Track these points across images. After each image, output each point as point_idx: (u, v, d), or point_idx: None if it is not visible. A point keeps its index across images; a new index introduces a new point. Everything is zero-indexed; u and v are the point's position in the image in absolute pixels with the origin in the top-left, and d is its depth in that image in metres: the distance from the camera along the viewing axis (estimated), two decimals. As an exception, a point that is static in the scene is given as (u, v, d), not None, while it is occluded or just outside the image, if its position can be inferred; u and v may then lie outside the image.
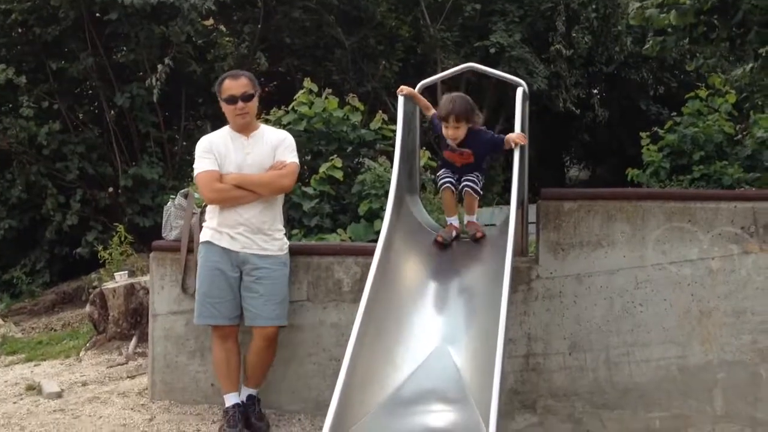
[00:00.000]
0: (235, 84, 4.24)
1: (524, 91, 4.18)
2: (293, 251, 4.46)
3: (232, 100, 4.22)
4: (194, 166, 4.34)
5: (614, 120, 19.21)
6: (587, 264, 4.09)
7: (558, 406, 4.11)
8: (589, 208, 4.13)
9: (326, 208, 6.90)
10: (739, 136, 9.29)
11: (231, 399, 4.22)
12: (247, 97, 4.22)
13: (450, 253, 4.15)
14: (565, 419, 4.10)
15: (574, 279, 4.10)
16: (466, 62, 5.29)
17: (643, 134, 9.35)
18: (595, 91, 19.56)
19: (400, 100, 4.33)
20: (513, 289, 3.79)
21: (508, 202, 3.81)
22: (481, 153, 4.18)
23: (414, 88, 4.62)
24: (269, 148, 4.30)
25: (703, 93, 9.20)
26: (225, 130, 4.36)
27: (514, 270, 3.78)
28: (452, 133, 4.11)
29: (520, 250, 4.34)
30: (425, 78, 4.84)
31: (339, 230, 6.59)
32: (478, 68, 5.14)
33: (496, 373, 3.05)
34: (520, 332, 4.14)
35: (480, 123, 4.22)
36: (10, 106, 11.36)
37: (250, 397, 4.29)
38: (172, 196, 4.94)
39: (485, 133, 4.21)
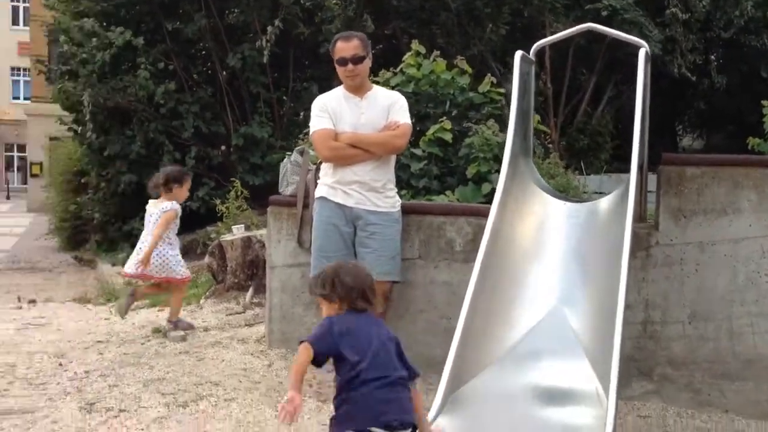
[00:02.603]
0: (346, 46, 4.27)
1: (646, 53, 4.07)
2: (406, 210, 4.52)
3: (342, 61, 4.27)
4: (310, 124, 4.45)
5: (732, 87, 18.34)
6: (710, 232, 3.98)
7: (676, 374, 4.03)
8: (714, 174, 4.01)
9: (434, 170, 6.94)
10: None
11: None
12: (357, 60, 4.25)
13: (566, 216, 4.11)
14: (683, 388, 4.02)
15: (695, 247, 4.00)
16: (575, 26, 5.16)
17: (765, 102, 8.93)
18: (712, 56, 18.68)
19: (516, 61, 4.29)
20: (631, 254, 3.73)
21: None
22: None
23: (529, 50, 4.54)
24: (382, 108, 4.35)
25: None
26: (339, 91, 4.43)
27: (633, 235, 3.73)
28: None
29: (638, 216, 4.26)
30: (533, 42, 4.74)
31: (447, 192, 6.61)
32: (598, 28, 5.03)
33: (616, 340, 3.04)
34: (638, 299, 4.07)
35: None
36: (130, 65, 11.82)
37: None
38: (288, 153, 5.08)
39: None
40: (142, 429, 3.56)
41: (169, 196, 5.50)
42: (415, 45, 7.56)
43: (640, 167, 3.94)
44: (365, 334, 2.63)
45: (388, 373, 2.56)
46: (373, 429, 2.49)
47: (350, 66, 4.25)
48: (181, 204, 5.55)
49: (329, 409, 3.68)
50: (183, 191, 5.58)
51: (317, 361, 2.61)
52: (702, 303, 3.98)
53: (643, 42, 4.31)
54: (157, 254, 5.37)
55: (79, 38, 11.90)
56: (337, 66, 4.32)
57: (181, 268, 5.50)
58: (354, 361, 2.55)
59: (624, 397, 4.02)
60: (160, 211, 5.43)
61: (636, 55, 4.08)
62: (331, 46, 4.38)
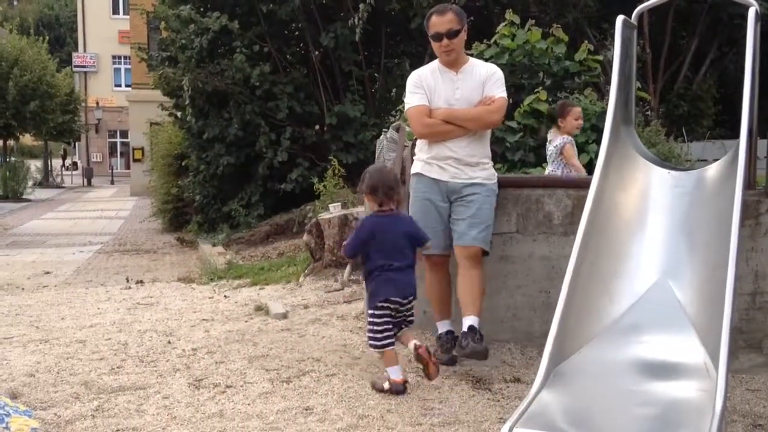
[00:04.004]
0: (440, 20, 4.20)
1: (756, 12, 3.85)
2: (502, 183, 4.45)
3: (437, 37, 4.19)
4: (405, 100, 4.42)
5: None
6: (827, 198, 3.76)
7: (788, 347, 3.87)
8: (829, 136, 3.78)
9: (530, 142, 6.82)
10: None
11: (443, 326, 4.33)
12: (452, 34, 4.17)
13: (671, 186, 3.96)
14: (795, 361, 3.86)
15: (810, 214, 3.80)
16: (678, -13, 4.93)
17: None
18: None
19: (618, 25, 4.14)
20: (740, 223, 3.56)
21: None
22: None
23: (628, 15, 4.39)
24: (478, 82, 4.27)
25: None
26: (434, 65, 4.37)
27: (741, 203, 3.55)
28: None
29: (747, 183, 4.06)
30: (630, 6, 4.57)
31: (544, 164, 6.50)
32: (703, -12, 4.80)
33: (726, 311, 2.91)
34: (747, 269, 3.92)
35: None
36: (226, 48, 12.07)
37: (471, 327, 4.15)
38: (384, 130, 5.09)
39: None
40: (248, 404, 3.65)
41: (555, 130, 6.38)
42: (510, 15, 7.42)
43: (750, 132, 3.74)
44: (388, 234, 3.82)
45: (398, 262, 3.80)
46: (390, 298, 3.79)
47: (445, 41, 4.18)
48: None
49: (426, 384, 3.72)
50: (568, 122, 6.25)
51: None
52: (819, 273, 3.78)
53: (752, 1, 4.08)
54: None
55: (177, 25, 12.25)
56: (432, 41, 4.26)
57: None
58: (376, 258, 3.79)
59: (732, 370, 3.86)
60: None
61: (742, 15, 3.87)
62: (426, 21, 4.31)
